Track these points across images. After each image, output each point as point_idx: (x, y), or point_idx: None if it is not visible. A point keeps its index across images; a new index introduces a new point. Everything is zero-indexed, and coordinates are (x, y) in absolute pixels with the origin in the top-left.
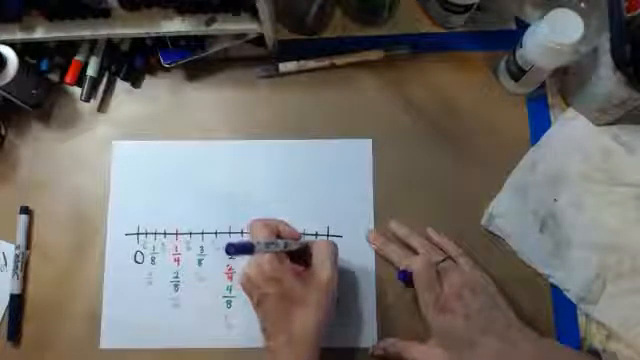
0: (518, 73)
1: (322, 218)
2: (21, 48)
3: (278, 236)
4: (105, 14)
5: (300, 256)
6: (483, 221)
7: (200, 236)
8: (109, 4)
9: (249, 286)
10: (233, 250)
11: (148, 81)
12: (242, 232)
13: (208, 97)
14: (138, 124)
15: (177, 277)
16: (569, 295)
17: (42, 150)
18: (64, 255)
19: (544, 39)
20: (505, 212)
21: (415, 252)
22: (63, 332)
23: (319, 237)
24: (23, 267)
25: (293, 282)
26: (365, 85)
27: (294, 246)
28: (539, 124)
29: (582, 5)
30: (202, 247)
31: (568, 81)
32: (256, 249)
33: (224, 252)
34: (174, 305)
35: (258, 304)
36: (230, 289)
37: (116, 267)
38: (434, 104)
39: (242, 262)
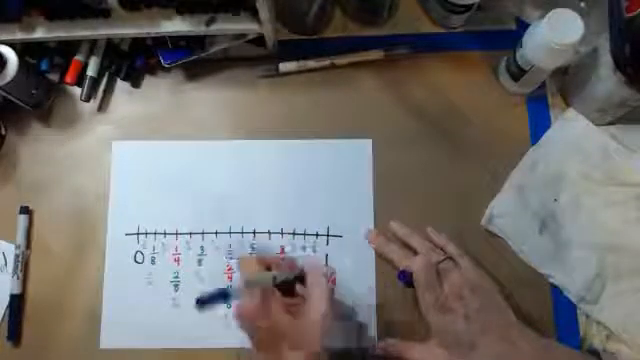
0: (518, 73)
1: (322, 218)
2: (21, 48)
3: (268, 268)
4: (105, 14)
5: (296, 282)
6: (483, 221)
7: (200, 236)
8: (109, 4)
9: (241, 321)
10: (203, 301)
11: (148, 81)
12: (242, 232)
13: (208, 97)
14: (138, 124)
15: (177, 277)
16: (569, 295)
17: (42, 150)
18: (64, 255)
19: (544, 39)
20: (505, 212)
21: (415, 252)
22: (63, 332)
23: (319, 237)
24: (23, 267)
25: (283, 317)
26: (365, 85)
27: (284, 277)
28: (539, 124)
29: (582, 5)
30: (202, 247)
31: (568, 81)
32: (233, 296)
33: (224, 252)
34: (174, 305)
35: (250, 338)
36: None
37: (116, 267)
38: (434, 104)
39: None
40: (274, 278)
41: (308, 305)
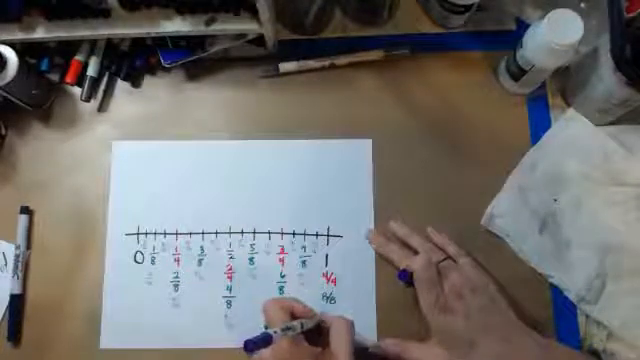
0: (518, 73)
1: (322, 218)
2: (21, 48)
3: (292, 316)
4: (105, 14)
5: (315, 332)
6: (483, 221)
7: (200, 236)
8: (109, 4)
9: None
10: (252, 346)
11: (148, 81)
12: (242, 232)
13: (208, 97)
14: (138, 124)
15: (177, 277)
16: (569, 295)
17: (42, 150)
18: (64, 255)
19: (544, 39)
20: (505, 212)
21: (415, 252)
22: (63, 332)
23: (319, 237)
24: (23, 267)
25: None
26: (365, 85)
27: (310, 324)
28: (539, 124)
29: (582, 5)
30: (202, 247)
31: (568, 81)
32: (274, 339)
33: (224, 252)
34: (174, 305)
35: None
36: (230, 289)
37: (116, 267)
38: (434, 104)
39: (244, 263)
40: (302, 325)
41: (334, 352)
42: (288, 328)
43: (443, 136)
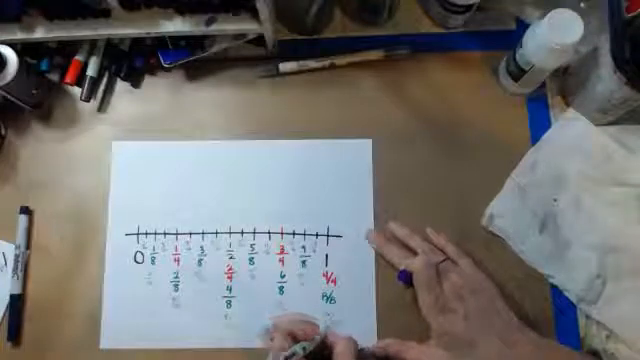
0: (518, 73)
1: (322, 218)
2: (21, 48)
3: (294, 338)
4: (105, 14)
5: (319, 350)
6: (483, 221)
7: (200, 236)
8: (109, 4)
9: None
10: None
11: (148, 81)
12: (242, 232)
13: (208, 97)
14: (138, 124)
15: (177, 277)
16: (569, 295)
17: (42, 150)
18: (64, 255)
19: (544, 39)
20: (505, 212)
21: (415, 253)
22: (63, 332)
23: (319, 237)
24: (23, 267)
25: None
26: (365, 85)
27: (311, 347)
28: (539, 124)
29: (582, 5)
30: (202, 247)
31: (568, 81)
32: None
33: (224, 252)
34: (174, 305)
35: None
36: (230, 289)
37: (116, 267)
38: (434, 104)
39: (244, 263)
40: (304, 349)
41: None
42: (292, 356)
43: (443, 136)
